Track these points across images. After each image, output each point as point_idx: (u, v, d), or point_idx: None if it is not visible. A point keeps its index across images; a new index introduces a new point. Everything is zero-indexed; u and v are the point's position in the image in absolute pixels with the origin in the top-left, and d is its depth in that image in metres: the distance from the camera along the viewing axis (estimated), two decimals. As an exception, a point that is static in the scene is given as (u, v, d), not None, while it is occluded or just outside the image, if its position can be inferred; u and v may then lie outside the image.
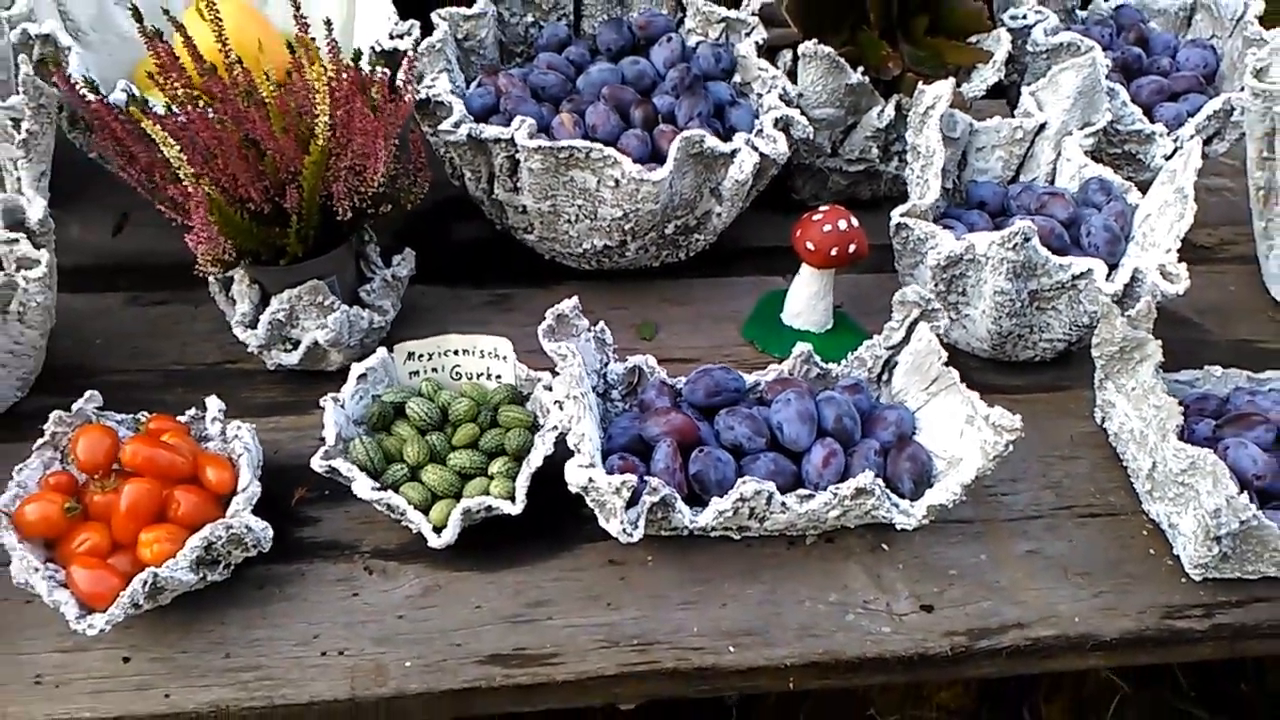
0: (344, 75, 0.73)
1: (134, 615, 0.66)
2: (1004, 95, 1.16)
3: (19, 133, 0.74)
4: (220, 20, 0.76)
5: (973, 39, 1.04)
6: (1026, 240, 0.81)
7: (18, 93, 0.76)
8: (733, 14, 1.03)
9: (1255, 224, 1.04)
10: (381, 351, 0.79)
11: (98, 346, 0.90)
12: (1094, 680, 1.61)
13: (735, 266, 1.03)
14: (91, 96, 0.72)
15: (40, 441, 0.72)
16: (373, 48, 0.91)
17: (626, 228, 0.89)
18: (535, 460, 0.72)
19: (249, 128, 0.72)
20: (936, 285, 0.89)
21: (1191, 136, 1.02)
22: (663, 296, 0.99)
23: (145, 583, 0.64)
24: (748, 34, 1.02)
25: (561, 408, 0.74)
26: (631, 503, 0.70)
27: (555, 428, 0.74)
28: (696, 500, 0.74)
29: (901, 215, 0.90)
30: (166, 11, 0.81)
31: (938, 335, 0.80)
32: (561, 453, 0.72)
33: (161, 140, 0.67)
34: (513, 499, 0.72)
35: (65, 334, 0.89)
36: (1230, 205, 1.15)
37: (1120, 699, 1.58)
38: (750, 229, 1.05)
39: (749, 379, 0.81)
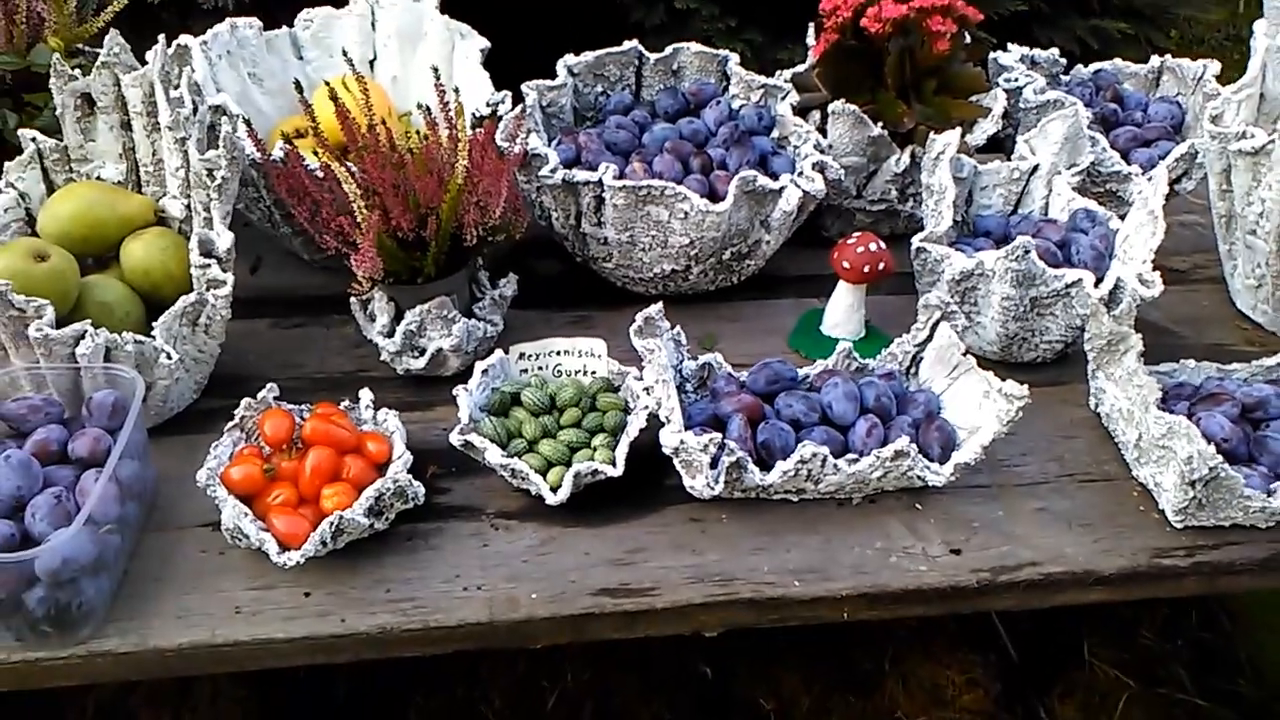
0: (478, 131, 0.92)
1: (317, 556, 0.82)
2: (1001, 144, 1.35)
3: (214, 180, 0.92)
4: (367, 92, 0.96)
5: (974, 98, 1.24)
6: (1026, 253, 0.99)
7: (206, 149, 0.95)
8: (770, 80, 1.23)
9: (1220, 248, 1.22)
10: (499, 353, 0.96)
11: (251, 361, 1.07)
12: (1104, 679, 1.74)
13: (778, 290, 1.21)
14: (279, 151, 0.91)
15: (230, 424, 0.89)
16: (474, 113, 1.10)
17: (692, 253, 1.07)
18: (632, 431, 0.89)
19: (403, 171, 0.91)
20: (952, 298, 1.06)
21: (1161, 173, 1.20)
22: (719, 315, 1.17)
23: (332, 524, 0.80)
24: (784, 97, 1.21)
25: (650, 391, 0.91)
26: (712, 465, 0.87)
27: (646, 407, 0.90)
28: (763, 467, 0.90)
29: (921, 241, 1.08)
30: (298, 86, 1.00)
31: (955, 332, 0.97)
32: (650, 433, 0.89)
33: (344, 179, 0.85)
34: (614, 464, 0.88)
35: (224, 351, 1.06)
36: (1200, 236, 1.33)
37: (1128, 697, 1.71)
38: (789, 260, 1.23)
39: (801, 371, 0.98)
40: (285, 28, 1.26)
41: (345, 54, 0.99)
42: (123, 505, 0.82)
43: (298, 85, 0.97)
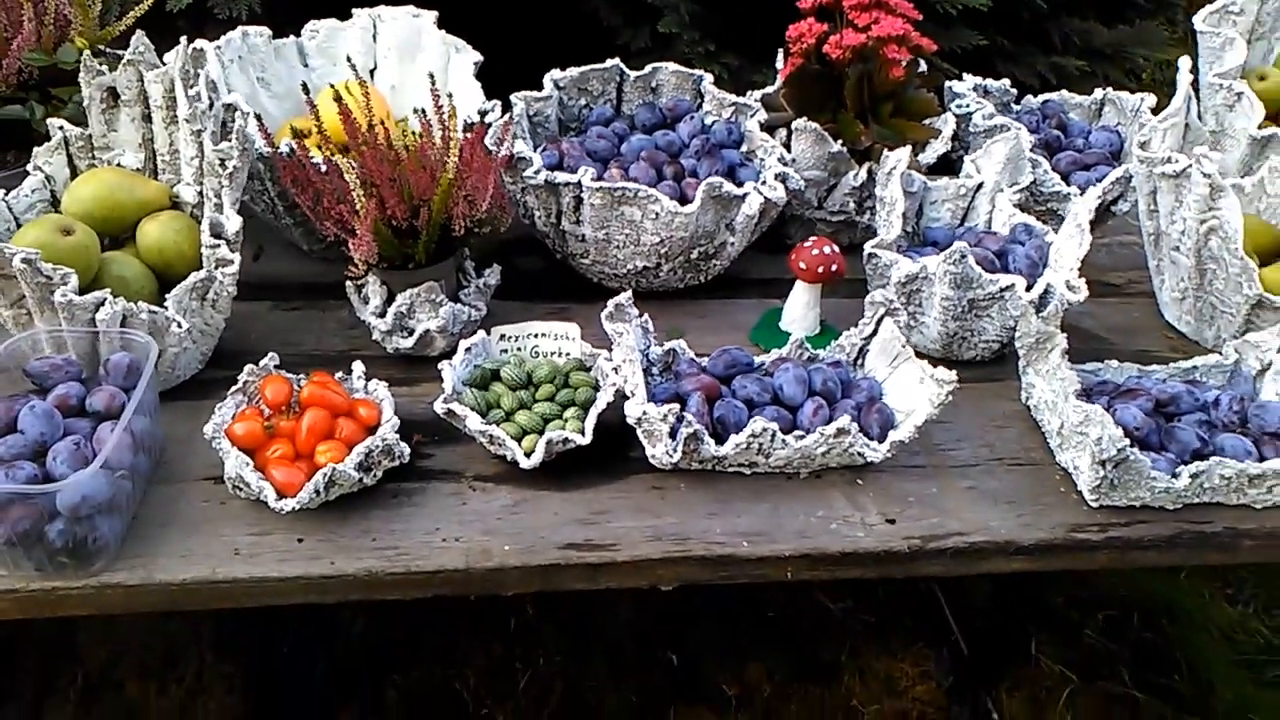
0: (469, 132, 1.02)
1: (309, 507, 0.90)
2: (952, 164, 1.45)
3: (225, 169, 1.01)
4: (368, 95, 1.06)
5: (926, 120, 1.34)
6: (963, 257, 1.09)
7: (219, 141, 1.04)
8: (741, 99, 1.33)
9: (1150, 264, 1.32)
10: (481, 333, 1.06)
11: (253, 339, 1.16)
12: (1049, 675, 1.83)
13: (742, 291, 1.31)
14: (285, 145, 1.00)
15: (234, 388, 0.98)
16: (465, 119, 1.20)
17: (662, 251, 1.17)
18: (600, 404, 0.98)
19: (398, 166, 1.01)
20: (899, 299, 1.16)
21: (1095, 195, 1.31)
22: (686, 312, 1.26)
23: (325, 476, 0.89)
24: (752, 115, 1.32)
25: (618, 370, 1.00)
26: (671, 436, 0.96)
27: (614, 384, 1.00)
28: (718, 440, 1.00)
29: (872, 247, 1.18)
30: (305, 88, 1.09)
31: (897, 327, 1.07)
32: (617, 409, 0.99)
33: (346, 170, 0.95)
34: (583, 434, 0.98)
35: (228, 328, 1.14)
36: (1136, 254, 1.43)
37: (1071, 691, 1.80)
38: (753, 264, 1.33)
39: (757, 359, 1.08)
40: (292, 37, 1.36)
41: (349, 60, 1.09)
42: (135, 455, 0.90)
43: (304, 88, 1.07)
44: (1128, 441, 0.96)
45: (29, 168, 1.06)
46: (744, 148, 1.31)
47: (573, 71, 1.34)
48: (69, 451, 0.86)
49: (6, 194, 1.03)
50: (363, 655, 1.82)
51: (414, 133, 1.07)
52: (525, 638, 1.86)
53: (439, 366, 1.03)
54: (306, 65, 1.36)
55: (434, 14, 1.35)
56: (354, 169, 0.98)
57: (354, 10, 1.37)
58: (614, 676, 1.81)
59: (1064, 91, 1.53)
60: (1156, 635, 1.90)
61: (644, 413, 0.94)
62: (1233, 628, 1.94)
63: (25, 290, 0.92)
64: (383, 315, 1.09)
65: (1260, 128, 1.38)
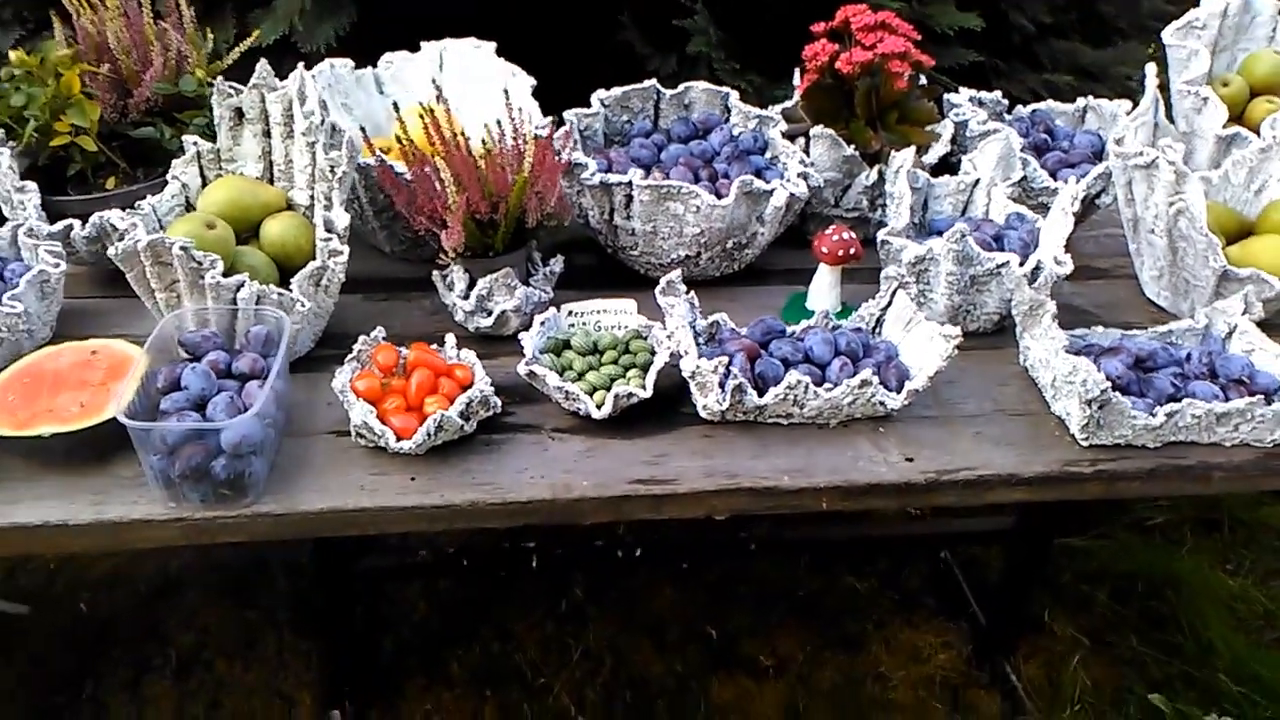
0: (540, 139, 1.21)
1: (418, 453, 1.08)
2: (952, 166, 1.63)
3: (335, 174, 1.20)
4: (449, 113, 1.25)
5: (928, 127, 1.53)
6: (964, 236, 1.26)
7: (329, 151, 1.23)
8: (764, 112, 1.52)
9: (1130, 248, 1.50)
10: (552, 309, 1.24)
11: (350, 324, 1.33)
12: (1062, 640, 1.98)
13: (770, 279, 1.48)
14: (378, 157, 1.19)
15: (350, 356, 1.16)
16: (534, 129, 1.38)
17: (702, 241, 1.35)
18: (658, 364, 1.16)
19: (479, 169, 1.19)
20: (908, 278, 1.33)
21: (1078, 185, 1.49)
22: (722, 296, 1.43)
23: (435, 421, 1.06)
24: (775, 125, 1.50)
25: (671, 337, 1.18)
26: (720, 388, 1.13)
27: (669, 348, 1.17)
28: (759, 393, 1.17)
29: (884, 235, 1.36)
30: (396, 107, 1.28)
31: (909, 297, 1.25)
32: (668, 375, 1.16)
33: (443, 169, 1.13)
34: (644, 388, 1.15)
35: (330, 315, 1.33)
36: (1119, 244, 1.59)
37: (1083, 655, 1.95)
38: (779, 257, 1.51)
39: (789, 329, 1.25)
40: (370, 67, 1.56)
41: (434, 83, 1.27)
42: (277, 409, 1.08)
43: (395, 106, 1.26)
44: (1109, 384, 1.13)
45: (168, 178, 1.25)
46: (768, 154, 1.50)
47: (616, 91, 1.53)
48: (225, 403, 1.03)
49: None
50: (425, 635, 1.98)
51: (484, 142, 1.26)
52: (575, 617, 2.02)
53: (519, 338, 1.20)
54: (382, 93, 1.56)
55: (493, 44, 1.55)
56: (448, 170, 1.17)
57: (422, 43, 1.57)
58: (659, 650, 1.97)
59: (1050, 102, 1.71)
60: (1161, 604, 2.05)
61: (698, 366, 1.12)
62: (1232, 597, 2.09)
63: (180, 274, 1.10)
64: (466, 298, 1.27)
65: (1224, 127, 1.57)
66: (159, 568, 2.08)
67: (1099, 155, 1.62)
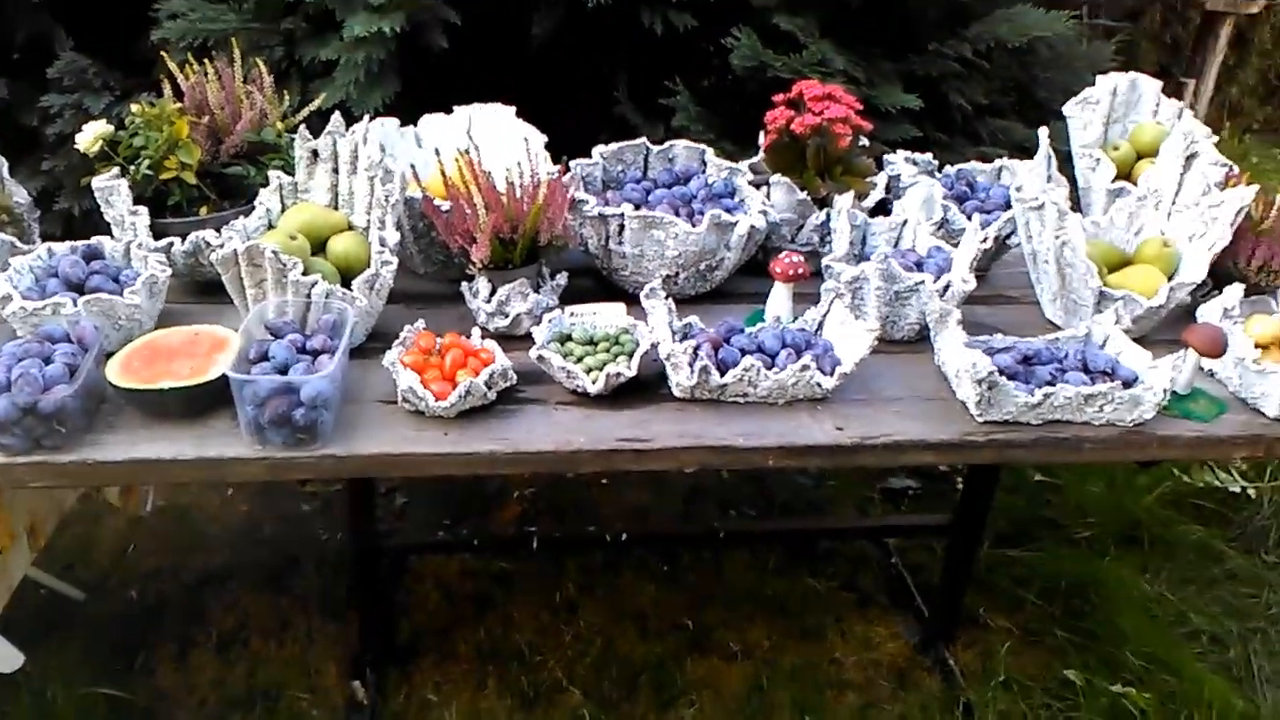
0: (553, 178, 1.54)
1: (450, 414, 1.37)
2: (886, 210, 1.96)
3: (389, 201, 1.52)
4: (473, 161, 1.58)
5: (867, 179, 1.86)
6: (887, 258, 1.58)
7: (385, 184, 1.56)
8: (733, 164, 1.86)
9: (1032, 277, 1.82)
10: (557, 311, 1.55)
11: (393, 325, 1.64)
12: (995, 630, 2.25)
13: (735, 300, 1.79)
14: (420, 192, 1.51)
15: (397, 340, 1.46)
16: (546, 171, 1.71)
17: (680, 263, 1.67)
18: (642, 348, 1.46)
19: (502, 198, 1.52)
20: (845, 292, 1.65)
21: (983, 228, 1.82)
22: (695, 311, 1.72)
23: (465, 387, 1.36)
24: (742, 175, 1.84)
25: (652, 330, 1.49)
26: (689, 368, 1.44)
27: (651, 339, 1.48)
28: (721, 375, 1.47)
29: (827, 260, 1.68)
30: (437, 152, 1.61)
31: (844, 306, 1.56)
32: (649, 365, 1.46)
33: (475, 195, 1.46)
34: (630, 368, 1.45)
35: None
36: (1026, 276, 1.92)
37: (1012, 643, 2.21)
38: (744, 282, 1.82)
39: (747, 330, 1.56)
40: (410, 125, 1.90)
41: (469, 133, 1.61)
42: (340, 377, 1.38)
43: (437, 151, 1.59)
44: (996, 370, 1.44)
45: (255, 204, 1.57)
46: (736, 197, 1.83)
47: (612, 146, 1.87)
48: (304, 368, 1.34)
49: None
50: (436, 619, 2.24)
51: (507, 179, 1.59)
52: (568, 608, 2.28)
53: (530, 332, 1.51)
54: (420, 146, 1.90)
55: (513, 108, 1.89)
56: (479, 197, 1.49)
57: (454, 107, 1.92)
58: (641, 637, 2.23)
59: (973, 162, 2.05)
60: (1083, 603, 2.33)
61: (671, 350, 1.42)
62: (1148, 600, 2.36)
63: (268, 273, 1.42)
64: (489, 302, 1.58)
65: (1113, 183, 1.91)
66: (202, 563, 2.35)
67: (1009, 205, 1.95)
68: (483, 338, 1.52)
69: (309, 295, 1.44)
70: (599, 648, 2.18)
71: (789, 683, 2.12)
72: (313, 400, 1.30)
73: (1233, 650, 2.23)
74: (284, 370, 1.35)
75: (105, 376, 1.34)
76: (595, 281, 1.81)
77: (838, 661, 2.19)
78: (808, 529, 2.50)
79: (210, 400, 1.36)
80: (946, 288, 1.62)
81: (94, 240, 1.57)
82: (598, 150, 1.86)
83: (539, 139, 1.84)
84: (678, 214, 1.74)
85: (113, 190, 1.59)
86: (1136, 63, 5.10)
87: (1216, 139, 1.88)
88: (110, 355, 1.39)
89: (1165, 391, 1.46)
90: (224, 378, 1.30)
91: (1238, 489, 2.70)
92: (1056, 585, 2.36)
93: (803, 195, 1.79)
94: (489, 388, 1.41)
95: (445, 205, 1.58)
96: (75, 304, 1.42)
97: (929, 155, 2.04)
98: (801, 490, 2.70)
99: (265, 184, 1.62)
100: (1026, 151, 2.86)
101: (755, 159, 1.91)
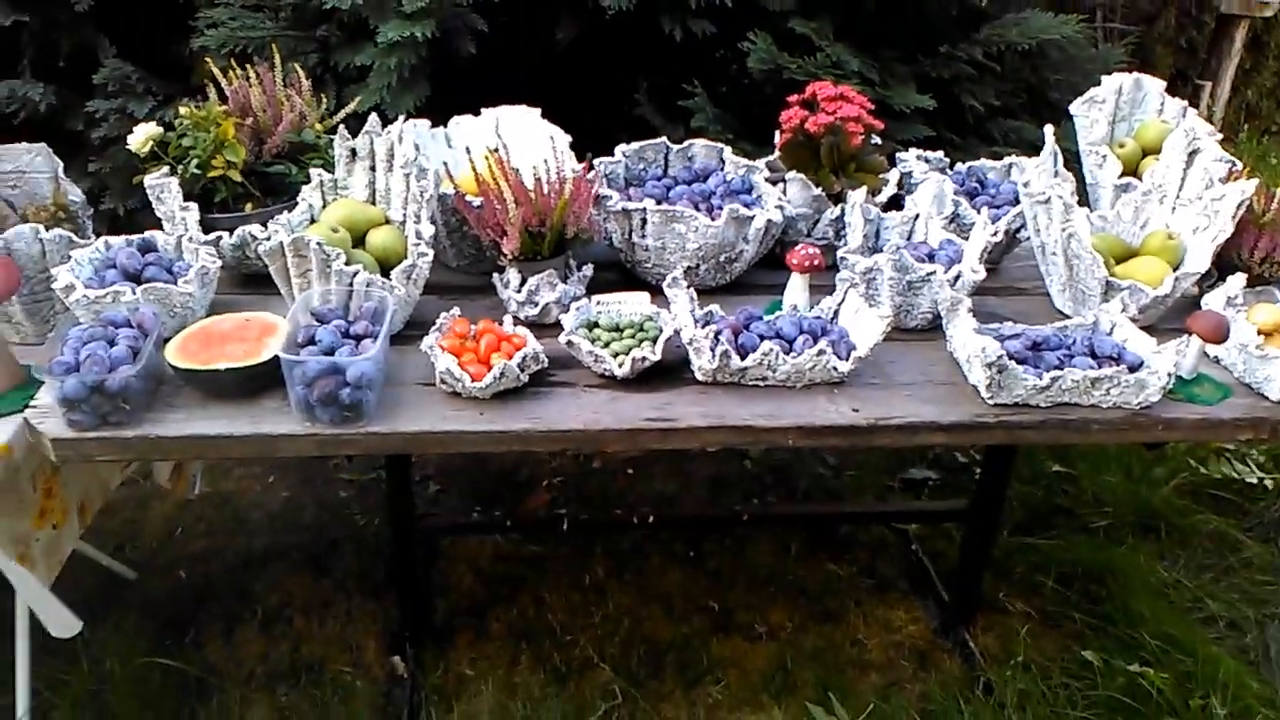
0: (578, 174, 1.62)
1: (485, 395, 1.46)
2: (899, 206, 2.03)
3: (424, 196, 1.61)
4: (502, 159, 1.66)
5: (880, 175, 1.94)
6: (899, 249, 1.66)
7: (420, 179, 1.65)
8: (750, 162, 1.93)
9: (1041, 269, 1.88)
10: (584, 299, 1.63)
11: (429, 314, 1.72)
12: (1014, 614, 2.30)
13: (753, 291, 1.87)
14: (453, 189, 1.60)
15: (434, 326, 1.55)
16: (572, 168, 1.80)
17: (700, 255, 1.75)
18: (666, 334, 1.54)
19: (531, 193, 1.60)
20: (859, 283, 1.72)
21: (994, 223, 1.89)
22: (715, 302, 1.81)
23: (499, 369, 1.44)
24: (759, 172, 1.92)
25: (676, 317, 1.56)
26: (711, 352, 1.51)
27: (674, 325, 1.56)
28: (741, 359, 1.54)
29: (842, 252, 1.75)
30: (468, 150, 1.70)
31: (859, 296, 1.64)
32: (672, 350, 1.54)
33: (506, 191, 1.54)
34: (654, 353, 1.53)
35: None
36: (1037, 269, 1.99)
37: (1030, 626, 2.27)
38: (761, 275, 1.90)
39: (766, 318, 1.64)
40: (442, 127, 1.99)
41: (498, 132, 1.69)
42: (383, 361, 1.47)
43: (468, 150, 1.68)
44: (1005, 354, 1.51)
45: (298, 199, 1.66)
46: (754, 193, 1.91)
47: (634, 145, 1.96)
48: (349, 350, 1.42)
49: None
50: (471, 599, 2.33)
51: (535, 175, 1.67)
52: (597, 590, 2.36)
53: (559, 320, 1.59)
54: (450, 146, 1.98)
55: (539, 110, 1.98)
56: (509, 192, 1.58)
57: (483, 109, 2.01)
58: (668, 617, 2.30)
59: (983, 160, 2.12)
60: (1100, 588, 2.38)
61: (694, 335, 1.50)
62: (1165, 585, 2.41)
63: (313, 264, 1.51)
64: (519, 291, 1.67)
65: (1120, 179, 1.97)
66: (246, 545, 2.45)
67: (1019, 201, 2.02)
68: (514, 325, 1.60)
69: (351, 284, 1.53)
70: (627, 627, 2.25)
71: (811, 663, 2.18)
72: (358, 380, 1.38)
73: (1249, 635, 2.28)
74: (330, 353, 1.43)
75: (165, 359, 1.43)
76: (620, 274, 1.89)
77: (860, 643, 2.25)
78: (828, 513, 2.56)
79: (263, 381, 1.44)
80: (957, 278, 1.68)
81: (147, 234, 1.66)
82: (620, 149, 1.95)
83: (564, 138, 1.93)
84: (697, 209, 1.82)
85: (164, 187, 1.68)
86: (1151, 66, 5.16)
87: (1234, 142, 1.93)
88: (167, 340, 1.48)
89: (1170, 376, 1.52)
90: (275, 359, 1.39)
91: (1254, 479, 2.74)
92: (1074, 572, 2.41)
93: (817, 191, 1.87)
94: (522, 370, 1.49)
95: (477, 201, 1.66)
96: (134, 292, 1.51)
97: (940, 153, 2.11)
98: (821, 480, 2.77)
99: (306, 181, 1.72)
100: (1038, 151, 2.89)
101: (771, 157, 1.99)
